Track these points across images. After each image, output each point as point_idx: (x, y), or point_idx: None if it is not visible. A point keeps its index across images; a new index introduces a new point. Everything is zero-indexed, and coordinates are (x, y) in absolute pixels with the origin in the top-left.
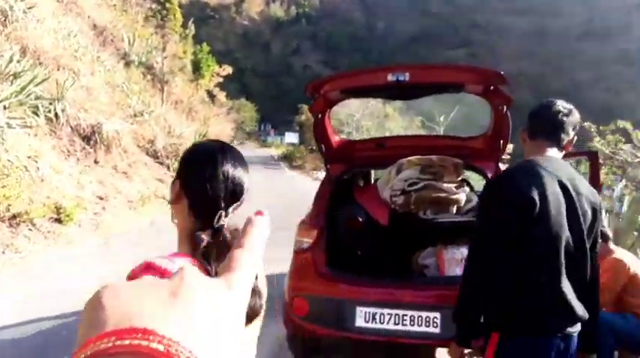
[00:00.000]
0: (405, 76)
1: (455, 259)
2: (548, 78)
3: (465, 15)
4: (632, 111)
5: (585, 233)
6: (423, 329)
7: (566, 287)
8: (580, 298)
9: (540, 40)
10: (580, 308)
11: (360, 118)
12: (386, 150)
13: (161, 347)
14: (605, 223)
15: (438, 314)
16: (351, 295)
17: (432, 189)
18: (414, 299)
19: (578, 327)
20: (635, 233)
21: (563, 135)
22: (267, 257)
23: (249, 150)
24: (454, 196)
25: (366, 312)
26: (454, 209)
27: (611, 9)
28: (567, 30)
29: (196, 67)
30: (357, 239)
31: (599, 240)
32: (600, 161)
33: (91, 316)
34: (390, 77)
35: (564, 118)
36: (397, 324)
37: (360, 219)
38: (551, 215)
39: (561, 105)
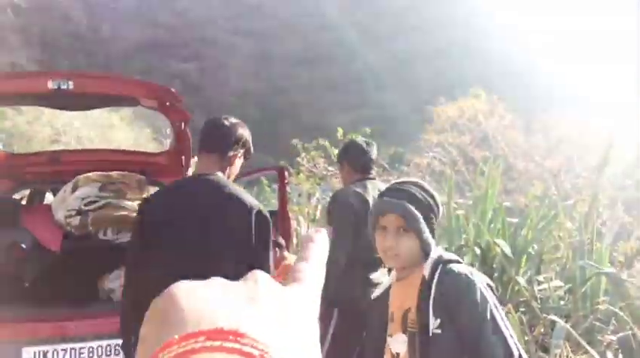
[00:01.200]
0: (69, 84)
1: None
2: (270, 98)
3: (193, 29)
4: (336, 130)
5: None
6: None
7: None
8: None
9: (264, 62)
10: None
11: (80, 127)
12: (62, 166)
13: (255, 352)
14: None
15: (120, 342)
16: (14, 335)
17: (113, 208)
18: (94, 329)
19: None
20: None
21: (226, 149)
22: None
23: None
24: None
25: (35, 352)
26: None
27: (320, 39)
28: (286, 55)
29: None
30: (22, 269)
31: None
32: (305, 174)
33: (164, 316)
34: (51, 84)
35: (223, 131)
36: None
37: (24, 246)
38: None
39: (225, 120)
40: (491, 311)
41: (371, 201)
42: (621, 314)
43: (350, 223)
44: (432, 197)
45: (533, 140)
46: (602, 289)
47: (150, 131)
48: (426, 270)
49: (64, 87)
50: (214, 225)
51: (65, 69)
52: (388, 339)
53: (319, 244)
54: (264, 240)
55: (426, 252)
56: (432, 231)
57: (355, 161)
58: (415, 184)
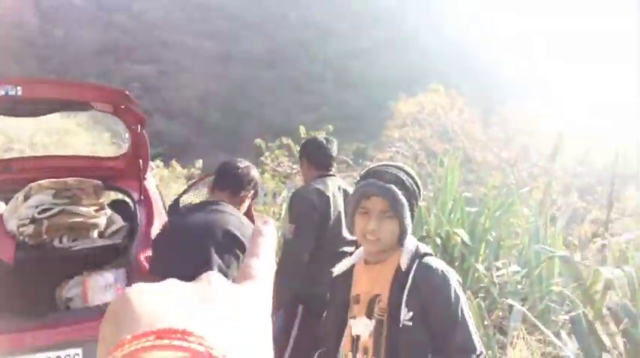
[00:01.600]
0: (17, 90)
1: (99, 286)
2: (233, 99)
3: (151, 32)
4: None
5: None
6: None
7: None
8: None
9: (225, 64)
10: None
11: (34, 134)
12: (14, 174)
13: (201, 349)
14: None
15: (79, 350)
16: None
17: (68, 215)
18: (49, 339)
19: None
20: None
21: (239, 189)
22: None
23: None
24: (92, 220)
25: None
26: (95, 233)
27: (281, 40)
28: (247, 56)
29: None
30: None
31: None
32: (269, 173)
33: (119, 317)
34: None
35: (236, 173)
36: None
37: None
38: None
39: (240, 163)
40: (461, 309)
41: (331, 198)
42: (571, 296)
43: (311, 220)
44: (416, 182)
45: (491, 132)
46: (557, 272)
47: (108, 135)
48: (404, 261)
49: (12, 93)
50: (204, 244)
51: (16, 75)
52: (350, 320)
53: (268, 237)
54: None
55: (402, 238)
56: (412, 218)
57: (315, 158)
58: (400, 169)
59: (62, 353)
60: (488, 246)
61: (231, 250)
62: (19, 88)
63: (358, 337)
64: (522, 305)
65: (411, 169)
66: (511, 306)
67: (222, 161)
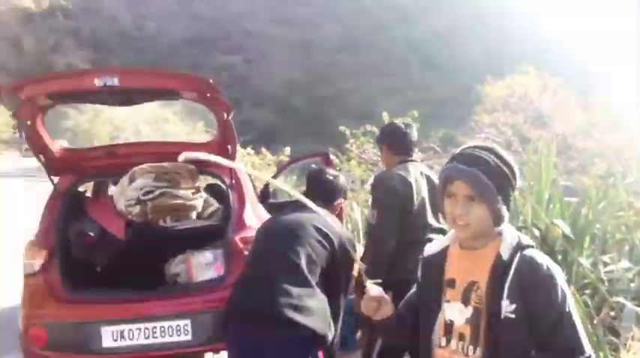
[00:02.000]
0: (114, 81)
1: (202, 264)
2: (316, 86)
3: (235, 22)
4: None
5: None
6: (175, 338)
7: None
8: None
9: (306, 50)
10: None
11: (137, 123)
12: (118, 158)
13: None
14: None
15: (188, 322)
16: (94, 316)
17: (169, 197)
18: (163, 310)
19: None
20: None
21: (332, 201)
22: None
23: (8, 161)
24: (191, 202)
25: (113, 331)
26: (194, 215)
27: (359, 26)
28: (327, 42)
29: None
30: (92, 255)
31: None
32: (356, 160)
33: None
34: (98, 82)
35: (327, 185)
36: (148, 338)
37: (92, 234)
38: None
39: (328, 175)
40: (569, 307)
41: (414, 183)
42: None
43: (394, 206)
44: (507, 164)
45: (592, 117)
46: None
47: (202, 124)
48: (504, 251)
49: (109, 83)
50: (296, 235)
51: (115, 67)
52: (445, 304)
53: None
54: (344, 264)
55: (497, 223)
56: (506, 201)
57: (394, 143)
58: (488, 150)
59: (173, 323)
60: (593, 239)
61: (319, 240)
62: (115, 78)
63: (452, 322)
64: (637, 305)
65: (502, 150)
66: (622, 305)
67: (312, 169)
